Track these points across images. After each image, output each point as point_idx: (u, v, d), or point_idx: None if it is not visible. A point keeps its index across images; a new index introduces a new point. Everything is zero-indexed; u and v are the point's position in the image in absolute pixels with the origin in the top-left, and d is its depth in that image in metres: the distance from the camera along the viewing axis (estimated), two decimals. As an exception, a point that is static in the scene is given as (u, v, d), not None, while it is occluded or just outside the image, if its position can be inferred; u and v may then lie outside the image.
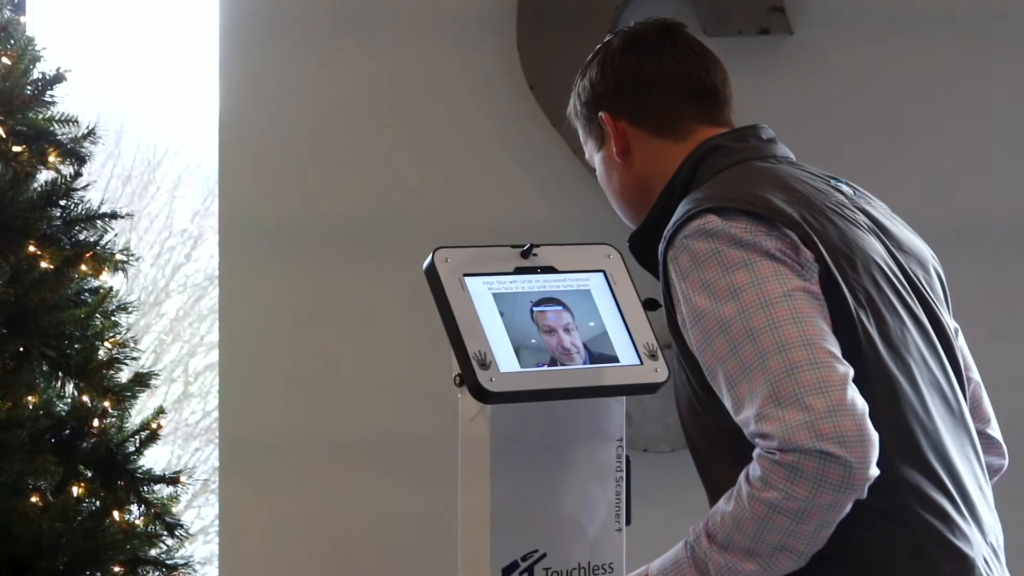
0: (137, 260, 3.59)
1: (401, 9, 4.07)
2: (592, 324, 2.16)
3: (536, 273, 2.17)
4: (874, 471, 1.93)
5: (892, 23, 3.95)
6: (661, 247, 2.13)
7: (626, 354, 2.15)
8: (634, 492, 2.18)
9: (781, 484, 1.94)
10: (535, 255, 2.18)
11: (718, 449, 2.15)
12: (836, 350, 1.98)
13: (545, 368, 2.10)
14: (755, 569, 2.00)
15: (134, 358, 3.48)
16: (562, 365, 2.10)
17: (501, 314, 2.11)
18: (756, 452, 1.98)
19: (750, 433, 1.98)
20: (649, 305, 2.23)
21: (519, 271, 2.16)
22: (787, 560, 1.98)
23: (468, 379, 2.04)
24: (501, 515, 2.09)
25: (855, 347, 2.03)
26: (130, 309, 3.55)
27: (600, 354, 2.14)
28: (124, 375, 3.46)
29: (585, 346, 2.13)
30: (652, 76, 2.30)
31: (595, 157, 2.36)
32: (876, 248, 2.14)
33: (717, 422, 2.10)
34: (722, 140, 2.26)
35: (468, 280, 2.11)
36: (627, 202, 2.34)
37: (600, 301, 2.19)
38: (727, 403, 2.03)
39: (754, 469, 1.97)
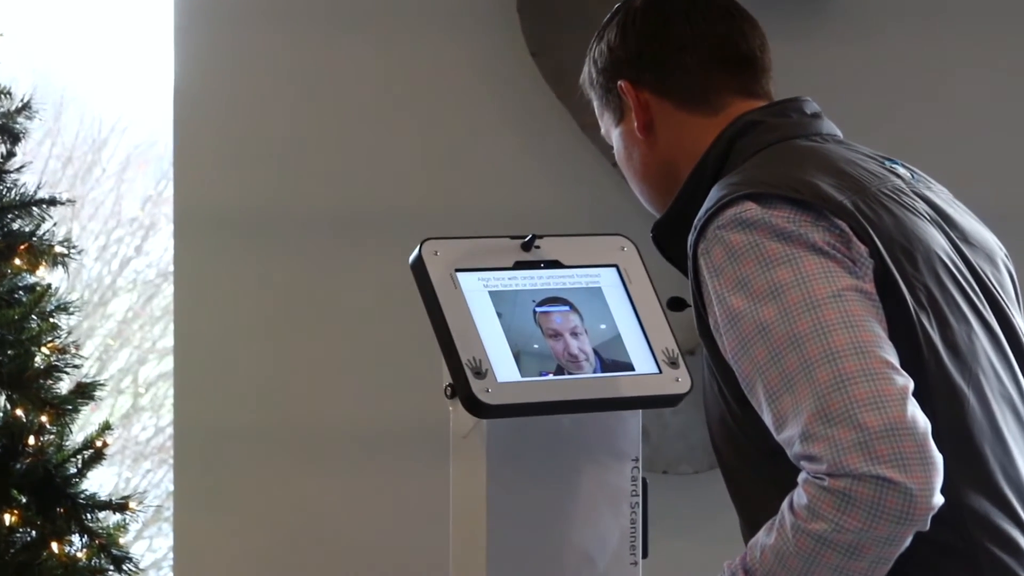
0: (79, 253, 3.59)
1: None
2: (603, 327, 2.16)
3: (539, 268, 2.18)
4: (938, 499, 1.91)
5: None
6: (691, 239, 2.11)
7: (643, 361, 2.15)
8: (652, 520, 2.18)
9: (831, 514, 1.92)
10: (538, 247, 2.18)
11: (756, 472, 2.14)
12: (894, 359, 1.96)
13: (549, 377, 2.10)
14: None
15: (76, 366, 3.48)
16: (569, 374, 2.11)
17: (499, 315, 2.11)
18: (802, 477, 1.96)
19: (794, 455, 1.96)
20: (674, 305, 2.22)
21: (519, 266, 2.17)
22: None
23: (461, 390, 2.04)
24: (498, 547, 2.10)
25: (915, 356, 2.01)
26: (71, 309, 3.55)
27: (613, 361, 2.14)
28: (64, 385, 3.46)
29: (595, 352, 2.14)
30: (680, 40, 2.28)
31: (612, 133, 2.34)
32: (938, 240, 2.12)
33: (755, 441, 2.09)
34: (760, 115, 2.24)
35: (461, 276, 2.11)
36: (650, 185, 2.33)
37: (613, 301, 2.20)
38: (767, 419, 2.01)
39: (799, 496, 1.95)
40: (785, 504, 1.98)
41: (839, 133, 2.27)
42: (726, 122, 2.25)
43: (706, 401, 2.21)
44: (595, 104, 2.36)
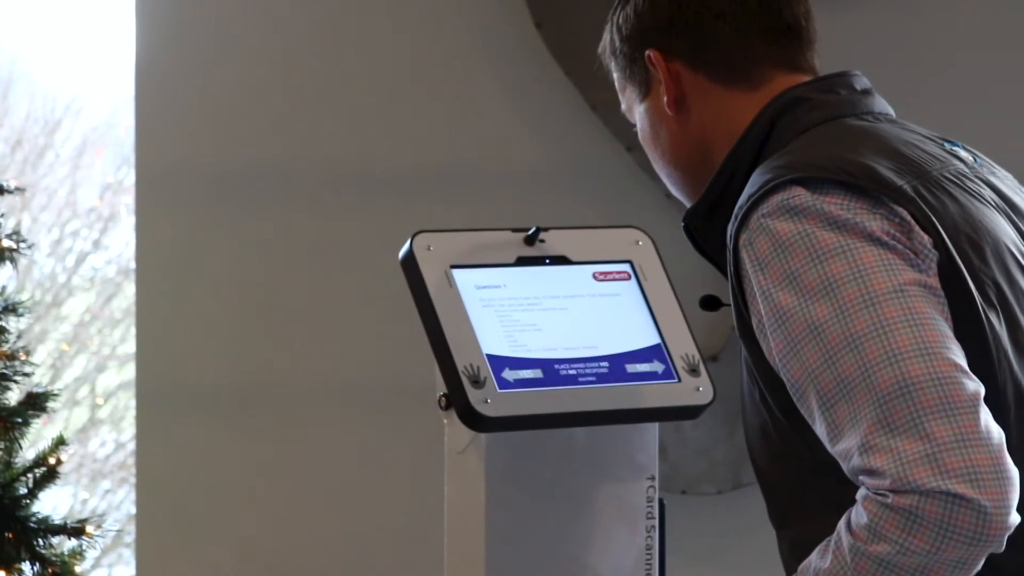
0: (30, 248, 3.60)
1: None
2: (616, 330, 2.17)
3: (544, 264, 2.18)
4: (1015, 518, 1.90)
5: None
6: (730, 228, 2.08)
7: (660, 369, 2.16)
8: (669, 545, 2.19)
9: (895, 535, 1.90)
10: (543, 242, 2.19)
11: (803, 489, 2.13)
12: (962, 361, 1.94)
13: (555, 387, 2.11)
14: None
15: (26, 374, 3.49)
16: (577, 383, 2.12)
17: (499, 318, 2.12)
18: (861, 493, 1.94)
19: (852, 468, 1.94)
20: (708, 304, 2.22)
21: (522, 262, 2.18)
22: None
23: (457, 401, 2.05)
24: (497, 572, 2.10)
25: (984, 359, 2.00)
26: (21, 311, 3.55)
27: (626, 368, 2.15)
28: (13, 396, 3.47)
29: (607, 358, 2.14)
30: (718, 6, 2.25)
31: (636, 109, 2.33)
32: (1006, 230, 2.11)
33: (802, 454, 2.09)
34: (806, 91, 2.22)
35: (457, 274, 2.12)
36: (679, 168, 2.30)
37: (627, 301, 2.21)
38: (819, 430, 1.99)
39: (858, 515, 1.93)
40: (842, 524, 1.96)
41: (892, 111, 2.25)
42: (767, 98, 2.23)
43: (744, 410, 2.19)
44: (616, 77, 2.34)
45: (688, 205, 2.27)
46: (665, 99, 2.26)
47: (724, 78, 2.25)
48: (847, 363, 1.94)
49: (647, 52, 2.26)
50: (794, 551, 2.11)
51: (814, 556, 2.00)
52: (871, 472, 1.91)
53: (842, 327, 1.95)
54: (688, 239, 2.25)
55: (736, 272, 2.07)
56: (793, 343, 1.99)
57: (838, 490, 1.99)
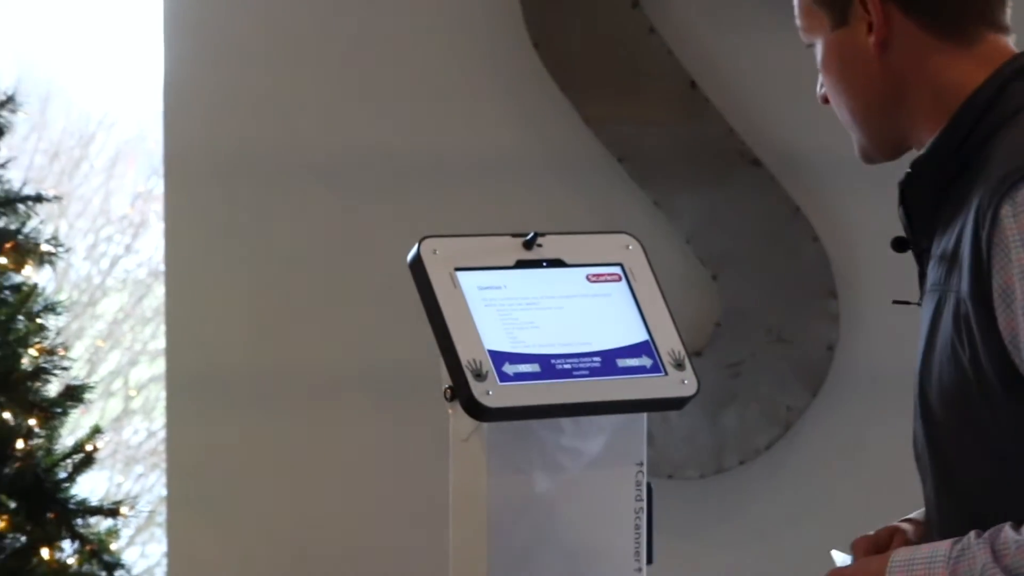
0: (67, 252, 3.61)
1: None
2: (608, 328, 2.17)
3: (541, 267, 2.18)
4: None
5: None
6: (988, 193, 1.97)
7: (648, 363, 2.16)
8: (657, 525, 2.19)
9: None
10: (540, 246, 2.19)
11: (992, 458, 2.01)
12: None
13: (552, 380, 2.11)
14: None
15: (65, 368, 3.50)
16: (571, 376, 2.12)
17: (500, 316, 2.12)
18: None
19: None
20: (898, 246, 2.17)
21: (521, 264, 2.17)
22: None
23: (461, 392, 2.05)
24: (499, 554, 2.11)
25: None
26: (59, 310, 3.56)
27: (617, 363, 2.15)
28: (53, 388, 3.47)
29: (600, 354, 2.14)
30: None
31: (822, 34, 2.15)
32: None
33: (1004, 423, 1.98)
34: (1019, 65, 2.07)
35: (461, 275, 2.12)
36: (865, 106, 2.15)
37: (618, 301, 2.21)
38: None
39: None
40: None
41: None
42: (986, 58, 2.08)
43: (936, 368, 2.05)
44: None
45: (860, 141, 2.15)
46: (872, 38, 2.10)
47: (940, 29, 2.09)
48: None
49: None
50: (963, 519, 2.02)
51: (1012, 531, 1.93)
52: None
53: None
54: (905, 191, 2.13)
55: (988, 235, 1.95)
56: None
57: None
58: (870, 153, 2.19)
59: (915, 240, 2.17)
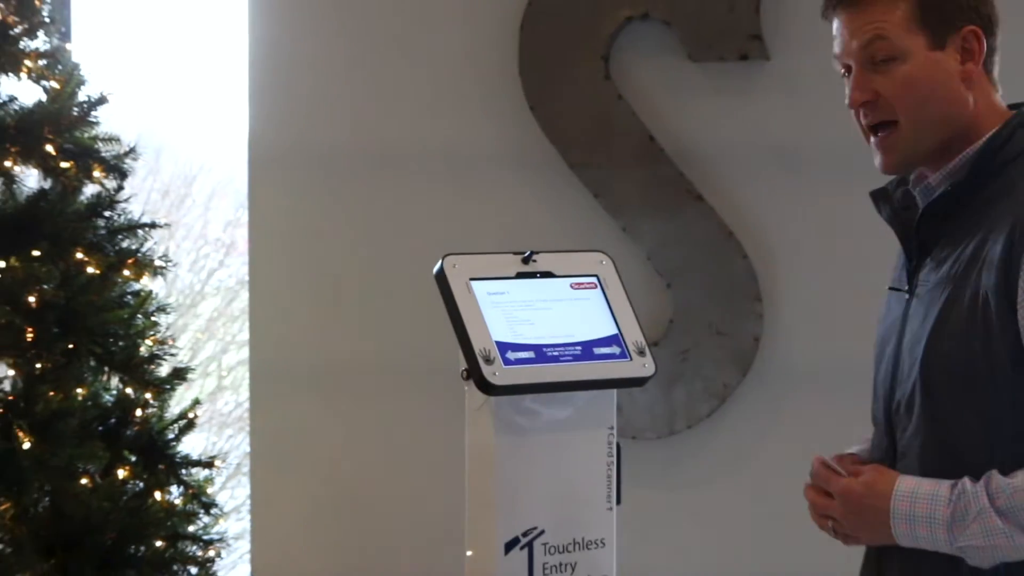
0: (174, 266, 3.60)
1: (416, 41, 4.08)
2: (587, 324, 2.16)
3: (536, 278, 2.17)
4: None
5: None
6: (1022, 210, 1.90)
7: (617, 351, 2.15)
8: (623, 475, 2.18)
9: None
10: (535, 261, 2.18)
11: (989, 422, 1.95)
12: None
13: (544, 364, 2.10)
14: None
15: (172, 354, 3.49)
16: (559, 361, 2.11)
17: (504, 315, 2.12)
18: None
19: None
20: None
21: (520, 276, 2.17)
22: None
23: (474, 374, 2.04)
24: (504, 496, 2.10)
25: None
26: (168, 310, 3.56)
27: (593, 351, 2.14)
28: (164, 370, 3.47)
29: (580, 344, 2.14)
30: (996, 17, 2.03)
31: (914, 54, 2.00)
32: None
33: (1009, 397, 1.92)
34: None
35: (474, 284, 2.11)
36: (935, 124, 2.02)
37: (594, 303, 2.20)
38: None
39: None
40: None
41: None
42: (1001, 105, 2.04)
43: (944, 343, 1.97)
44: (911, 5, 2.00)
45: (898, 152, 2.03)
46: (967, 67, 2.01)
47: (990, 76, 2.04)
48: None
49: (971, 27, 2.00)
50: (943, 462, 1.96)
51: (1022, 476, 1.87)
52: None
53: None
54: (929, 202, 2.03)
55: (1022, 240, 1.89)
56: None
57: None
58: (898, 164, 2.06)
59: (917, 242, 2.07)
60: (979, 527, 1.89)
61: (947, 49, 2.01)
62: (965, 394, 1.96)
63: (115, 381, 3.40)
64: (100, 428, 3.34)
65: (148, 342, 3.44)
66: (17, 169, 3.32)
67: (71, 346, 3.27)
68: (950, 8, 2.01)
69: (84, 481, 3.23)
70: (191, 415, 3.50)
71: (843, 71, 2.09)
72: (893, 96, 2.01)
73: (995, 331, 1.92)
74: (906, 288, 2.09)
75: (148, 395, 3.40)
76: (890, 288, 2.15)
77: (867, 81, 2.03)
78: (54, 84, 3.38)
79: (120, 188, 3.46)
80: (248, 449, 4.34)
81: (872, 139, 2.06)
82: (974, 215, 2.00)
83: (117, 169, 3.45)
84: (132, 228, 3.45)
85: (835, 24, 2.06)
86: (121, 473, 3.32)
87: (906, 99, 2.01)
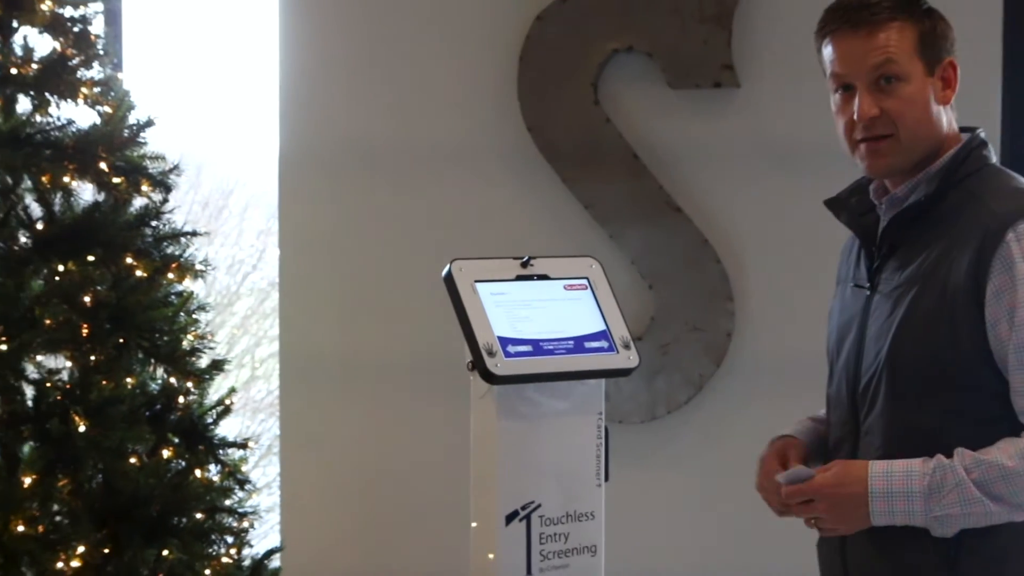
0: (213, 269, 3.59)
1: (430, 72, 4.08)
2: (578, 321, 2.16)
3: (533, 280, 2.17)
4: None
5: (822, 78, 3.96)
6: (992, 222, 1.93)
7: (605, 345, 2.15)
8: (611, 455, 2.18)
9: None
10: (532, 265, 2.18)
11: (953, 404, 1.95)
12: None
13: (540, 356, 2.10)
14: (998, 511, 1.90)
15: (211, 348, 3.49)
16: (554, 354, 2.11)
17: (505, 313, 2.11)
18: None
19: None
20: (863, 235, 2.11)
21: (520, 278, 2.17)
22: None
23: (478, 365, 2.04)
24: (504, 474, 2.09)
25: None
26: (207, 309, 3.55)
27: (584, 345, 2.14)
28: (203, 361, 3.46)
29: (573, 339, 2.13)
30: None
31: (915, 78, 2.02)
32: None
33: (978, 384, 1.94)
34: (983, 137, 2.07)
35: (478, 285, 2.11)
36: (922, 138, 2.03)
37: (585, 303, 2.20)
38: (1022, 377, 1.89)
39: None
40: None
41: None
42: (956, 128, 2.06)
43: (912, 333, 1.98)
44: (915, 35, 2.02)
45: (891, 159, 2.03)
46: (947, 93, 2.03)
47: (951, 103, 2.07)
48: None
49: (950, 58, 2.04)
50: (901, 445, 1.95)
51: (998, 454, 1.88)
52: None
53: None
54: (898, 210, 2.04)
55: (992, 248, 1.91)
56: None
57: (986, 415, 1.90)
58: (887, 170, 2.06)
59: (879, 245, 2.07)
60: (956, 497, 1.89)
61: (934, 76, 2.03)
62: (929, 379, 1.96)
63: (160, 372, 3.39)
64: (147, 413, 3.33)
65: (190, 337, 3.44)
66: (74, 184, 3.32)
67: (121, 340, 3.27)
68: (940, 41, 2.03)
69: (133, 460, 3.23)
70: (227, 402, 3.50)
71: (837, 87, 2.08)
72: (896, 113, 2.03)
73: (961, 325, 1.93)
74: (867, 285, 2.10)
75: (189, 384, 3.39)
76: (854, 285, 2.14)
77: (874, 99, 2.03)
78: (107, 109, 3.38)
79: (165, 201, 3.46)
80: (278, 432, 4.34)
81: (861, 146, 2.06)
82: (938, 222, 2.00)
83: (162, 184, 3.45)
84: (175, 236, 3.45)
85: (833, 47, 2.06)
86: (165, 453, 3.32)
87: (907, 116, 2.02)
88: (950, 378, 1.95)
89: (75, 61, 3.33)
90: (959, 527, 1.90)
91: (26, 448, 3.19)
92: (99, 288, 3.24)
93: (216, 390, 3.55)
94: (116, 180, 3.34)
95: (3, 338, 3.10)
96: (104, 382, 3.20)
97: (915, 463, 1.92)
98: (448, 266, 2.10)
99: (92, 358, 3.23)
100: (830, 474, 1.98)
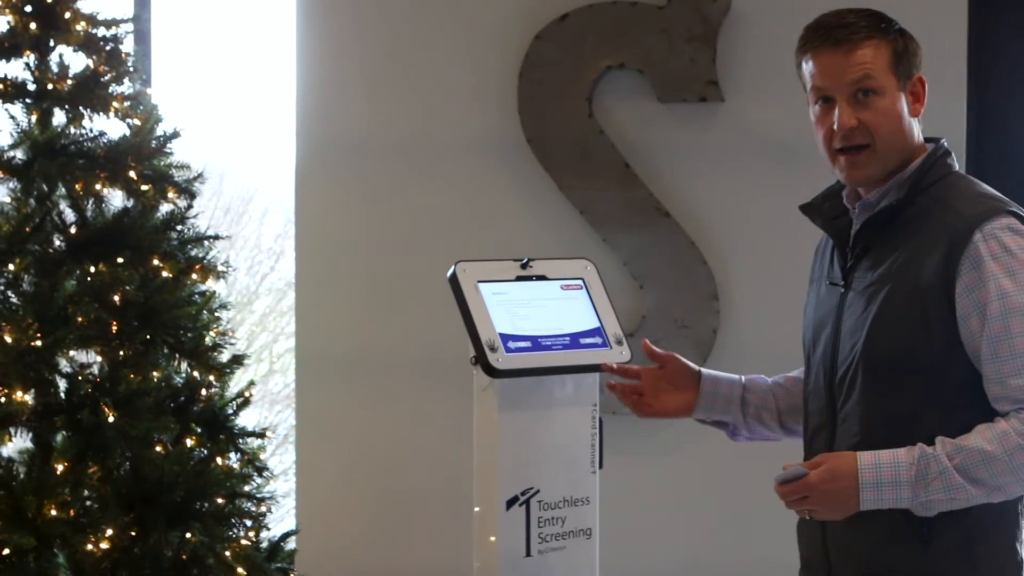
0: (234, 271, 3.59)
1: (435, 87, 4.08)
2: (574, 319, 2.16)
3: (532, 280, 2.18)
4: None
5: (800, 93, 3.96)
6: (960, 224, 1.95)
7: (599, 341, 2.15)
8: (605, 444, 2.18)
9: None
10: (531, 266, 2.18)
11: (922, 395, 1.95)
12: None
13: (539, 351, 2.10)
14: (978, 495, 1.90)
15: (232, 344, 3.48)
16: (552, 349, 2.10)
17: (506, 311, 2.11)
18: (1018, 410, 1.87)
19: (1017, 397, 1.88)
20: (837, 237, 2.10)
21: (519, 279, 2.17)
22: (1001, 495, 1.91)
23: (481, 360, 2.04)
24: (505, 461, 2.09)
25: None
26: (228, 307, 3.55)
27: (580, 341, 2.14)
28: (224, 356, 3.46)
29: (569, 335, 2.13)
30: None
31: (891, 91, 2.03)
32: None
33: (948, 374, 1.95)
34: (947, 147, 2.09)
35: (481, 285, 2.12)
36: (897, 147, 2.04)
37: (580, 302, 2.20)
38: (995, 367, 1.90)
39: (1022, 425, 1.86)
40: (1008, 427, 1.88)
41: None
42: (922, 138, 2.07)
43: (886, 328, 1.98)
44: (889, 53, 2.03)
45: (868, 168, 2.04)
46: (917, 106, 2.06)
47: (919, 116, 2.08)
48: None
49: (920, 75, 2.06)
50: (873, 435, 1.96)
51: (978, 440, 1.88)
52: None
53: None
54: (869, 212, 2.05)
55: (961, 248, 1.92)
56: (1006, 312, 1.89)
57: (958, 402, 1.91)
58: (864, 178, 2.06)
59: (853, 246, 2.07)
60: (941, 484, 1.89)
61: (906, 91, 2.05)
62: (901, 370, 1.97)
63: (184, 366, 3.39)
64: (172, 405, 3.33)
65: (212, 333, 3.43)
66: (105, 191, 3.32)
67: (148, 337, 3.27)
68: (911, 59, 2.05)
69: (158, 449, 3.23)
70: (247, 394, 3.50)
71: (817, 99, 2.09)
72: (873, 124, 2.04)
73: (932, 319, 1.94)
74: (842, 283, 2.11)
75: (211, 377, 3.39)
76: (829, 283, 2.15)
77: (853, 110, 2.04)
78: (136, 121, 3.38)
79: (190, 206, 3.46)
80: (294, 422, 4.33)
81: (841, 158, 2.06)
82: (907, 225, 2.02)
83: (187, 191, 3.45)
84: (199, 239, 3.45)
85: (814, 63, 2.07)
86: (189, 442, 3.32)
87: (883, 128, 2.04)
88: (921, 368, 1.96)
89: (107, 77, 3.33)
90: (941, 510, 1.91)
91: (59, 437, 3.19)
92: (128, 288, 3.24)
93: (236, 383, 3.54)
94: (144, 187, 3.35)
95: (38, 334, 3.11)
96: (132, 375, 3.20)
97: (900, 453, 1.92)
98: (453, 267, 2.10)
99: (121, 353, 3.23)
100: (821, 470, 1.98)
